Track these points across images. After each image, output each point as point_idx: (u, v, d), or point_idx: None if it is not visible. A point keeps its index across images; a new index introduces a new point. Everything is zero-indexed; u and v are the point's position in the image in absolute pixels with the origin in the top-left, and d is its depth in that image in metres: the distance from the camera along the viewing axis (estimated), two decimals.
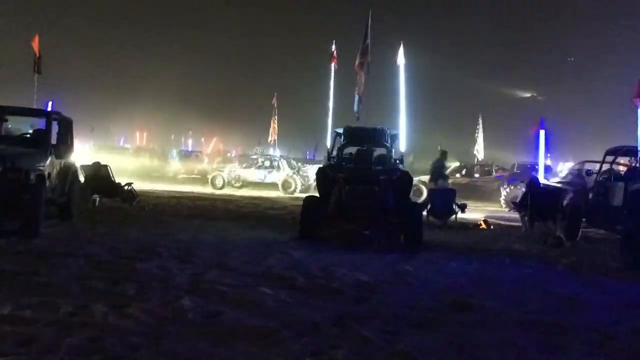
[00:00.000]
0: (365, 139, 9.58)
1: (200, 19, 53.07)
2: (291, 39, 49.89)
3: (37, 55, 14.40)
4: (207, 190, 18.50)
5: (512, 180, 17.87)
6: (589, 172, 11.58)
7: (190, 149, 40.63)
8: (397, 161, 9.77)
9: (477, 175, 20.64)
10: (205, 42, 51.23)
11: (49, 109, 10.52)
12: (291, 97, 47.61)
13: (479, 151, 26.77)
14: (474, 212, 13.83)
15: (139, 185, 12.93)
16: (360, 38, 14.20)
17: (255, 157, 23.63)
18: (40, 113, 9.16)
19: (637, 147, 9.21)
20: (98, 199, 11.21)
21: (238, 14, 53.05)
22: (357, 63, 13.70)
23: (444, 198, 11.35)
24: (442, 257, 7.53)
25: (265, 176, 20.70)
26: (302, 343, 3.66)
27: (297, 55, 48.45)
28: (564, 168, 21.83)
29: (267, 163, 21.49)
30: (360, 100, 13.42)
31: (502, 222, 12.64)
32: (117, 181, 11.69)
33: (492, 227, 11.86)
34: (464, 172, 20.71)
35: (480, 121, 27.73)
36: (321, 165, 10.95)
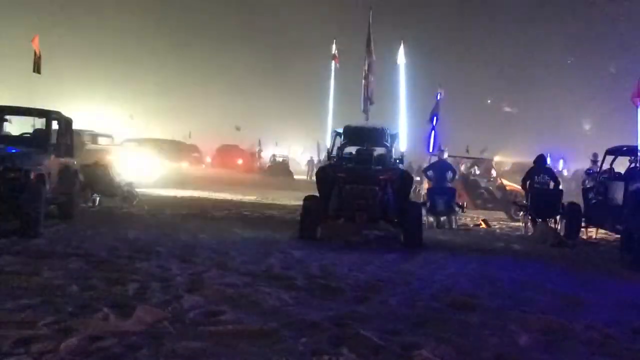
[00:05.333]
0: (365, 138, 9.59)
1: (197, 19, 52.99)
2: (290, 38, 49.82)
3: (37, 55, 14.38)
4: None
5: None
6: (588, 172, 11.60)
7: None
8: (397, 161, 9.78)
9: None
10: (201, 42, 51.18)
11: None
12: (290, 96, 47.62)
13: None
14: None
15: None
16: (361, 37, 14.22)
17: None
18: (40, 113, 9.15)
19: (637, 147, 9.21)
20: (98, 199, 11.21)
21: (237, 12, 52.99)
22: (366, 65, 13.71)
23: (444, 197, 11.35)
24: (442, 257, 7.53)
25: None
26: (302, 343, 3.66)
27: (296, 53, 48.38)
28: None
29: None
30: (371, 101, 13.44)
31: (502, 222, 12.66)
32: (117, 181, 11.70)
33: (492, 227, 11.87)
34: None
35: None
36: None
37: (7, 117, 9.51)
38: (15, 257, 5.80)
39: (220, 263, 6.14)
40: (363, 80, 13.75)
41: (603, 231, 10.09)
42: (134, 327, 3.79)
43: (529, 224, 10.84)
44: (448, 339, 3.91)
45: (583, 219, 10.24)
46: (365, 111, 13.49)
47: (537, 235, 9.98)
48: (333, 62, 17.53)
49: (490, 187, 15.43)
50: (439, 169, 11.95)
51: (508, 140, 36.36)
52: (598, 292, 5.85)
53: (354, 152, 9.64)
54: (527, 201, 11.03)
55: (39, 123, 9.24)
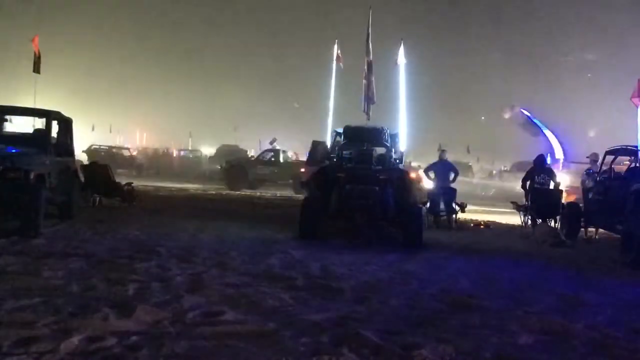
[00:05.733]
0: (365, 138, 9.60)
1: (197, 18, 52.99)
2: (290, 37, 49.83)
3: (37, 55, 14.39)
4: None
5: None
6: (588, 172, 11.60)
7: None
8: (397, 161, 9.77)
9: None
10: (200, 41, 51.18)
11: None
12: (290, 96, 47.64)
13: None
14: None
15: None
16: (362, 37, 14.22)
17: None
18: (40, 113, 9.15)
19: (637, 147, 9.21)
20: (98, 199, 11.21)
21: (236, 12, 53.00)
22: (366, 64, 13.70)
23: (444, 197, 11.35)
24: (442, 257, 7.53)
25: None
26: (302, 343, 3.66)
27: (296, 53, 48.39)
28: None
29: None
30: (372, 101, 13.42)
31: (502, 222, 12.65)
32: (116, 181, 11.71)
33: (492, 226, 11.87)
34: None
35: None
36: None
37: (7, 117, 9.51)
38: (15, 257, 5.80)
39: (220, 263, 6.14)
40: (363, 80, 13.75)
41: (603, 231, 10.08)
42: (134, 327, 3.79)
43: (528, 223, 10.84)
44: (448, 339, 3.91)
45: (583, 219, 10.24)
46: (366, 111, 13.49)
47: (537, 235, 9.97)
48: (334, 62, 17.50)
49: None
50: (441, 169, 11.95)
51: (509, 140, 36.36)
52: (598, 292, 5.85)
53: (354, 153, 9.64)
54: (527, 201, 11.03)
55: (39, 123, 9.25)
